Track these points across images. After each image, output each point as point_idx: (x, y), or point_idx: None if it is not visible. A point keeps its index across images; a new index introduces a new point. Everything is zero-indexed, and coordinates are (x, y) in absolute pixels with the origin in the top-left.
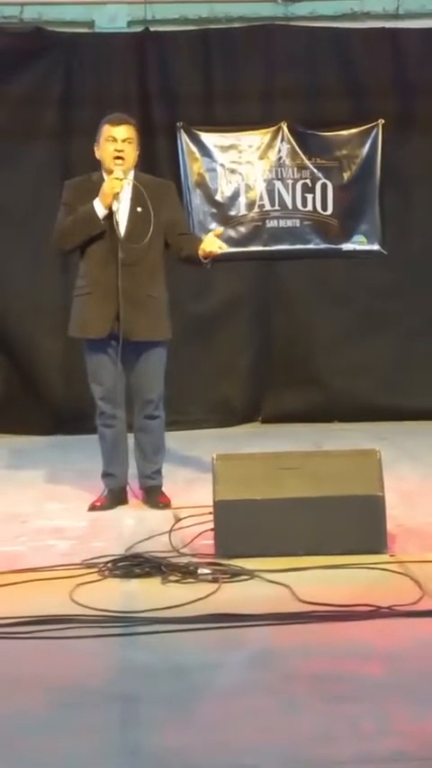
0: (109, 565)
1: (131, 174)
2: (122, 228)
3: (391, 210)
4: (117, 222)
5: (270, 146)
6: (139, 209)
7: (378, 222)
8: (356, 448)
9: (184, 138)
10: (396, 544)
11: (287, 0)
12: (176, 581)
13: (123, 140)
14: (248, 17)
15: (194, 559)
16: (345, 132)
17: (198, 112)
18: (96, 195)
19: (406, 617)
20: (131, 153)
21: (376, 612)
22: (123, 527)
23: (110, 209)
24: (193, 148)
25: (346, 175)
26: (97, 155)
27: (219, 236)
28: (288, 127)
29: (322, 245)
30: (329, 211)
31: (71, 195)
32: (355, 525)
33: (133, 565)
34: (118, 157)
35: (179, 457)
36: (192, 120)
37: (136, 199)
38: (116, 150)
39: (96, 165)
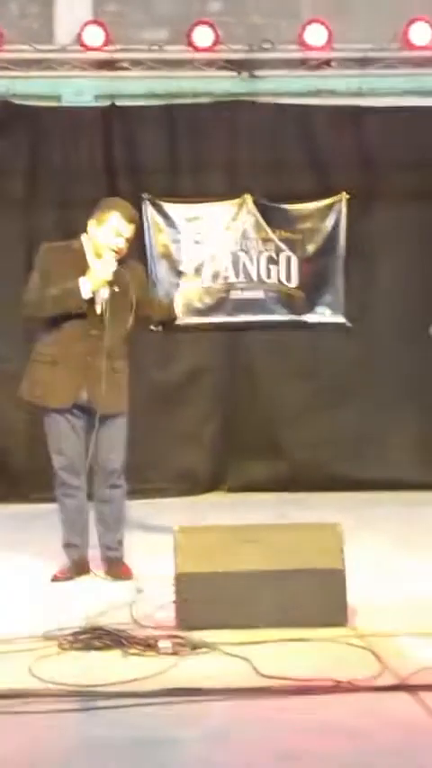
0: (69, 637)
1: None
2: (99, 308)
3: (355, 283)
4: (95, 301)
5: (234, 218)
6: (116, 289)
7: (342, 294)
8: (319, 520)
9: (149, 210)
10: (357, 617)
11: (253, 76)
12: (137, 654)
13: (127, 239)
14: (214, 93)
15: (155, 632)
16: (309, 206)
17: (163, 184)
18: (77, 264)
19: (366, 692)
20: (126, 249)
21: (337, 687)
22: (85, 599)
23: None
24: (159, 220)
25: (310, 248)
26: (92, 230)
27: None
28: (252, 200)
29: (287, 317)
30: (294, 283)
31: (51, 262)
32: (316, 598)
33: (94, 637)
34: (116, 252)
35: (142, 526)
36: (157, 192)
37: (115, 281)
38: (117, 246)
39: (67, 233)
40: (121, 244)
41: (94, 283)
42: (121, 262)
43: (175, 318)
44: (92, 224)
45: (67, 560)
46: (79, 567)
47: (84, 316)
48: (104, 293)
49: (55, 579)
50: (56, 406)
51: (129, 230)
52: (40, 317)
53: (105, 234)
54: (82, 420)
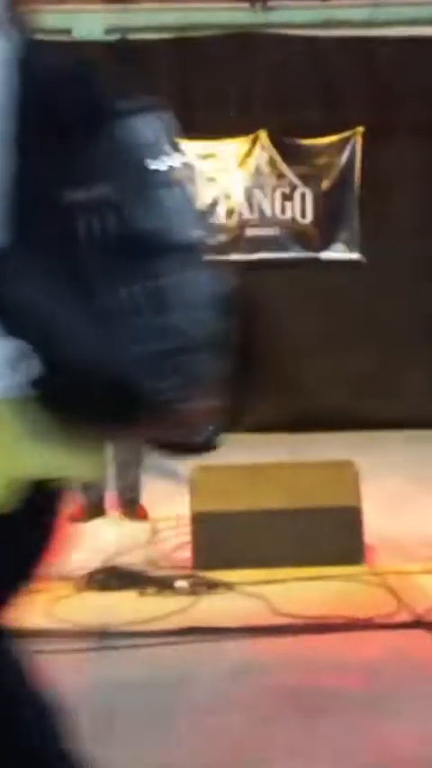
0: (86, 578)
1: None
2: None
3: (371, 218)
4: None
5: (249, 154)
6: None
7: (357, 230)
8: (334, 458)
9: None
10: (373, 555)
11: (266, 8)
12: (153, 594)
13: None
14: (225, 24)
15: (172, 572)
16: (323, 140)
17: (176, 121)
18: None
19: (383, 629)
20: None
21: (353, 624)
22: (101, 539)
23: None
24: None
25: (324, 183)
26: None
27: None
28: (266, 135)
29: (301, 254)
30: (308, 220)
31: None
32: (332, 536)
33: (110, 577)
34: None
35: (158, 468)
36: None
37: None
38: None
39: None
40: None
41: None
42: None
43: None
44: None
45: (83, 501)
46: (96, 509)
47: None
48: None
49: (71, 520)
50: None
51: None
52: None
53: None
54: None
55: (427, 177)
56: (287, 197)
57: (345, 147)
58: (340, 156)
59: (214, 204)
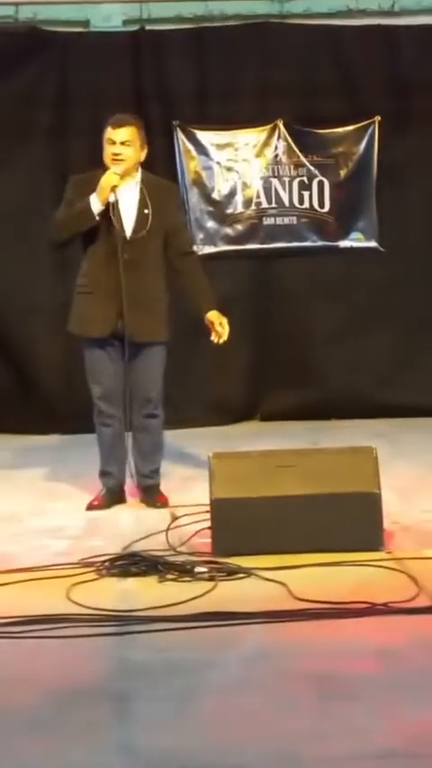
0: (106, 563)
1: (139, 175)
2: (128, 229)
3: (388, 207)
4: (121, 221)
5: (266, 143)
6: (145, 212)
7: (375, 219)
8: (353, 445)
9: (180, 137)
10: (392, 541)
11: None
12: (173, 579)
13: (122, 143)
14: (244, 15)
15: (191, 558)
16: (341, 129)
17: (194, 111)
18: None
19: (402, 614)
20: (130, 154)
21: (372, 609)
22: (121, 526)
23: (107, 205)
24: (190, 147)
25: (342, 173)
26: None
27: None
28: (284, 124)
29: (319, 243)
30: (326, 209)
31: (74, 191)
32: (352, 522)
33: (130, 563)
34: (116, 160)
35: (177, 455)
36: (188, 119)
37: (143, 201)
38: (113, 154)
39: (96, 162)
40: (117, 149)
41: (101, 192)
42: (152, 186)
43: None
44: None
45: (102, 488)
46: (115, 495)
47: (109, 238)
48: (130, 213)
49: (90, 507)
50: (93, 335)
51: (118, 134)
52: (59, 242)
53: (104, 149)
54: (119, 349)
55: None
56: (305, 186)
57: (363, 136)
58: (358, 144)
59: (232, 194)
